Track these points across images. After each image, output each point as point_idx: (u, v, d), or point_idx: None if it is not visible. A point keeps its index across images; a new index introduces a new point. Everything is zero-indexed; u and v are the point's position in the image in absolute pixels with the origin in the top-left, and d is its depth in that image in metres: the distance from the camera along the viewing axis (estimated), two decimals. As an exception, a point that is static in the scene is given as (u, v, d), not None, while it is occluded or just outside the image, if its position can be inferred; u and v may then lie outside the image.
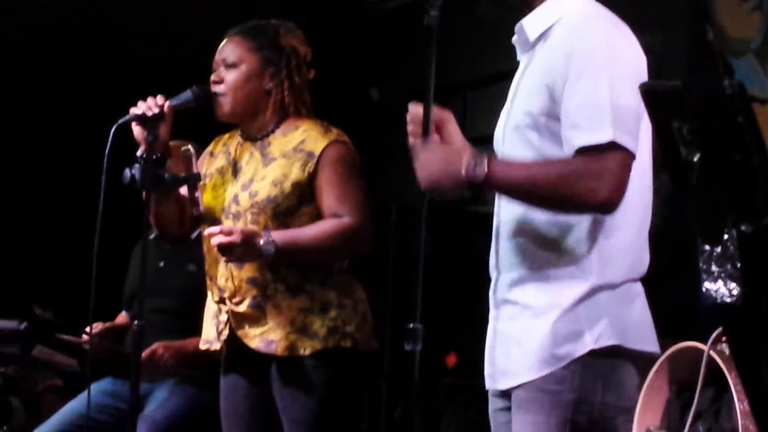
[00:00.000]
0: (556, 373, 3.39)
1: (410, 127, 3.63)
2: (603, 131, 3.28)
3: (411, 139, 3.62)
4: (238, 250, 4.43)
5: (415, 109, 3.62)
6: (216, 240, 4.42)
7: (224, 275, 4.62)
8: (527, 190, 3.36)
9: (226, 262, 4.54)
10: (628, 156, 3.31)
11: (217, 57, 4.70)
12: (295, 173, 4.56)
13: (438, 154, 3.39)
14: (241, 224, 4.54)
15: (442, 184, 3.35)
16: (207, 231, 4.50)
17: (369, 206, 4.61)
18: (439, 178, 3.34)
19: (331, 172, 4.57)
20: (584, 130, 3.30)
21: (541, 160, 3.40)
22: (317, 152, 4.57)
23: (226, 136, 4.84)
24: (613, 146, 3.28)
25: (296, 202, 4.56)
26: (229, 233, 4.41)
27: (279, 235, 4.48)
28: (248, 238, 4.42)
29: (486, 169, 3.29)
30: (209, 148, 4.87)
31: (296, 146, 4.60)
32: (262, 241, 4.44)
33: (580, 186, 3.27)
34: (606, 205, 3.30)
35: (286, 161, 4.58)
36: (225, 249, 4.43)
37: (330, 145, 4.58)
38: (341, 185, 4.57)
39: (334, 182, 4.56)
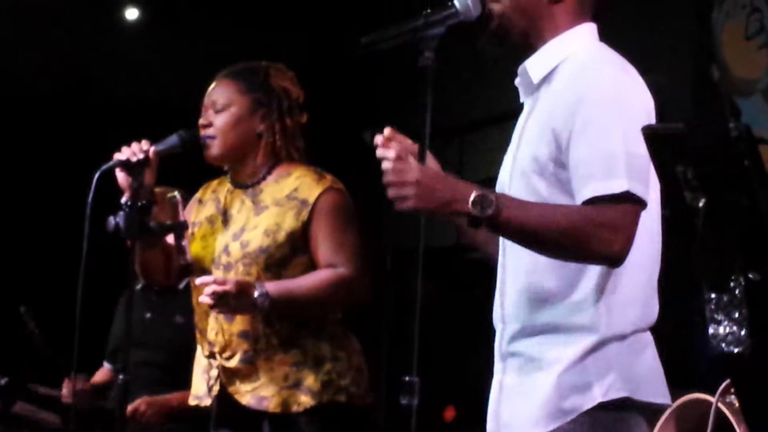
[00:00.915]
0: (563, 428, 3.38)
1: (384, 151, 3.43)
2: (617, 181, 3.27)
3: (386, 164, 3.39)
4: (232, 302, 4.41)
5: (390, 132, 3.55)
6: (209, 290, 4.39)
7: (214, 329, 4.60)
8: (536, 235, 3.32)
9: (219, 313, 4.52)
10: (641, 207, 3.31)
11: (206, 100, 4.70)
12: (289, 222, 4.56)
13: (442, 183, 3.30)
14: (232, 275, 4.53)
15: (440, 212, 3.30)
16: (199, 280, 4.47)
17: (366, 256, 4.60)
18: (441, 207, 3.27)
19: (326, 221, 4.56)
20: (597, 180, 3.29)
21: (552, 203, 3.38)
22: (311, 200, 4.56)
23: (216, 182, 4.83)
24: (626, 196, 3.28)
25: (289, 252, 4.56)
26: (222, 283, 4.39)
27: (273, 287, 4.46)
28: (242, 289, 4.40)
29: (494, 208, 3.23)
30: (198, 195, 4.86)
31: (289, 194, 4.59)
32: (256, 293, 4.42)
33: (596, 236, 3.25)
34: (617, 258, 3.29)
35: (279, 210, 4.58)
36: (218, 300, 4.40)
37: (324, 192, 4.58)
38: (337, 234, 4.57)
39: (329, 231, 4.56)
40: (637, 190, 3.28)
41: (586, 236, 3.26)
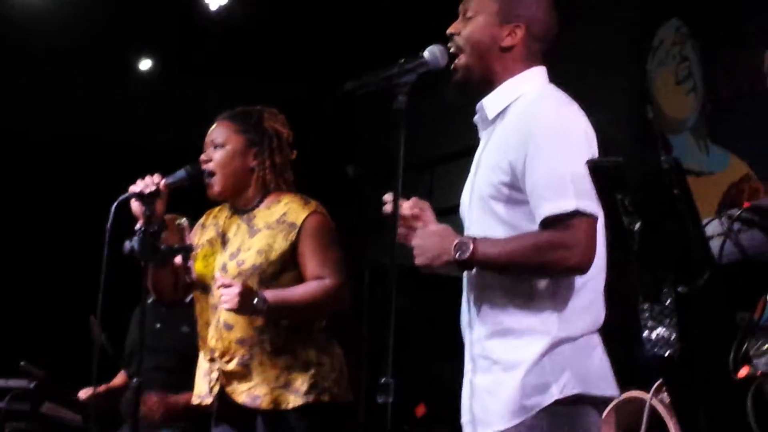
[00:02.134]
0: (526, 422, 3.39)
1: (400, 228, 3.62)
2: (567, 201, 3.30)
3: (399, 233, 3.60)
4: (237, 300, 4.39)
5: (405, 206, 3.63)
6: (220, 281, 4.43)
7: (214, 336, 4.60)
8: (507, 265, 3.40)
9: (230, 311, 4.50)
10: (593, 220, 3.32)
11: (207, 139, 4.72)
12: (279, 243, 4.56)
13: (433, 240, 3.43)
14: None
15: (435, 264, 3.40)
16: (218, 281, 4.48)
17: (346, 269, 4.60)
18: (433, 260, 3.40)
19: (311, 240, 4.57)
20: (549, 201, 3.32)
21: (515, 235, 3.41)
22: (298, 223, 4.57)
23: (216, 209, 4.84)
24: (577, 214, 3.30)
25: (280, 269, 4.56)
26: (229, 285, 4.40)
27: (270, 294, 4.47)
28: (247, 292, 4.41)
29: (471, 251, 3.34)
30: (201, 221, 4.86)
31: (279, 218, 4.60)
32: (256, 299, 4.42)
33: (553, 256, 3.31)
34: (578, 269, 3.34)
35: (271, 232, 4.58)
36: (231, 300, 4.39)
37: (310, 216, 4.59)
38: (321, 251, 4.57)
39: (314, 249, 4.56)
40: (586, 207, 3.30)
41: (546, 259, 3.32)
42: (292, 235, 4.56)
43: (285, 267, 4.57)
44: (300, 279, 4.56)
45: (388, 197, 3.57)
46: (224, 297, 4.41)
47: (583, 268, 3.33)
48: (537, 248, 3.33)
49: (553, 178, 3.33)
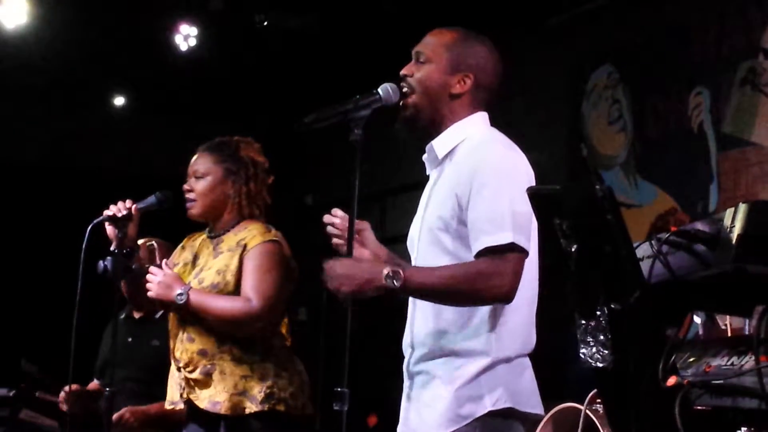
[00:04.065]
0: (460, 430, 3.39)
1: (331, 229, 3.67)
2: (504, 233, 3.31)
3: (334, 240, 3.65)
4: (154, 288, 4.46)
5: (335, 212, 3.65)
6: (149, 277, 4.49)
7: (179, 348, 4.59)
8: (440, 293, 3.38)
9: (148, 294, 4.53)
10: (524, 255, 3.34)
11: (189, 169, 4.72)
12: (233, 264, 4.55)
13: (361, 266, 3.38)
14: None
15: (364, 290, 3.32)
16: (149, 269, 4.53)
17: (279, 298, 4.55)
18: (362, 287, 3.31)
19: (253, 263, 4.53)
20: (488, 234, 3.33)
21: (448, 264, 3.42)
22: (250, 246, 4.56)
23: (197, 234, 4.85)
24: (512, 247, 3.31)
25: (234, 289, 4.54)
26: (155, 274, 4.48)
27: (195, 294, 4.48)
28: (166, 282, 4.47)
29: (402, 280, 3.29)
30: (182, 243, 4.88)
31: (238, 242, 4.59)
32: (179, 290, 4.46)
33: (485, 284, 3.30)
34: (507, 297, 3.34)
35: (230, 254, 4.58)
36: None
37: (263, 242, 4.57)
38: (258, 274, 4.52)
39: (253, 271, 4.52)
40: (520, 242, 3.31)
41: (477, 288, 3.32)
42: (241, 255, 4.55)
43: (239, 287, 4.54)
44: None
45: (328, 217, 3.63)
46: (148, 284, 4.46)
47: (511, 296, 3.33)
48: (470, 277, 3.33)
49: (493, 213, 3.34)
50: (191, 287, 4.50)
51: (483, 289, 3.31)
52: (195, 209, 4.66)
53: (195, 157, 4.74)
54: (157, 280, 4.47)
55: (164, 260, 4.62)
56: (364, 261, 3.51)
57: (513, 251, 3.31)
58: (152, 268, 4.51)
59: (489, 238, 3.32)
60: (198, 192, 4.65)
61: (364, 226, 3.74)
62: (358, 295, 3.34)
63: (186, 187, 4.68)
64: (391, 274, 3.29)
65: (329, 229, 3.68)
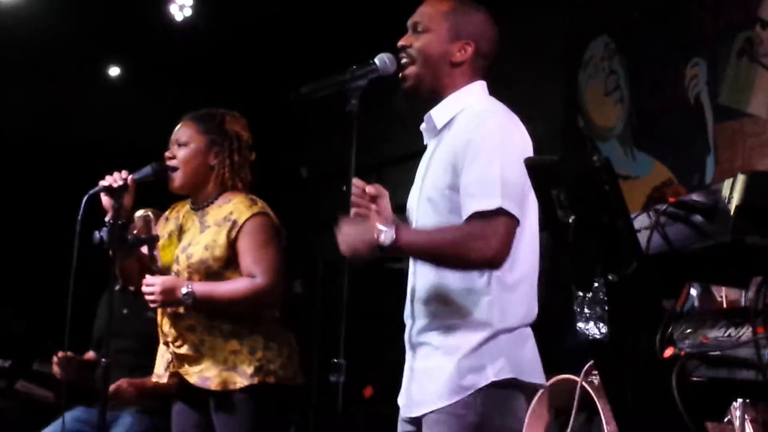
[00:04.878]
0: (463, 400, 3.38)
1: (356, 198, 3.61)
2: (492, 199, 3.30)
3: (354, 210, 3.60)
4: (159, 298, 4.43)
5: (359, 182, 3.63)
6: (144, 289, 4.46)
7: (167, 323, 4.59)
8: (429, 252, 3.39)
9: (155, 307, 4.53)
10: (513, 221, 3.33)
11: (173, 137, 4.70)
12: (222, 239, 4.53)
13: (355, 227, 3.38)
14: None
15: (360, 250, 3.33)
16: (143, 282, 4.50)
17: (281, 269, 4.56)
18: (356, 246, 3.32)
19: (249, 238, 4.53)
20: (477, 199, 3.33)
21: (440, 226, 3.42)
22: (240, 221, 4.54)
23: (180, 204, 4.82)
24: (500, 212, 3.30)
25: (224, 264, 4.53)
26: (151, 284, 4.44)
27: (199, 287, 4.47)
28: (168, 288, 4.43)
29: (394, 237, 3.29)
30: (166, 214, 4.85)
31: (226, 216, 4.57)
32: (183, 290, 4.44)
33: (470, 246, 3.30)
34: (493, 261, 3.33)
35: (217, 229, 4.56)
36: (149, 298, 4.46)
37: (253, 216, 4.55)
38: (257, 250, 4.52)
39: (250, 247, 4.52)
40: (509, 207, 3.31)
41: (464, 248, 3.31)
42: (233, 233, 4.54)
43: (229, 263, 4.54)
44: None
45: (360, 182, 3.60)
46: (147, 296, 4.45)
47: (499, 260, 3.32)
48: (457, 238, 3.33)
49: (484, 179, 3.34)
50: (192, 282, 4.48)
51: (468, 251, 3.30)
52: (177, 180, 4.63)
53: (179, 126, 4.73)
54: (157, 290, 4.44)
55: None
56: (358, 222, 3.48)
57: (501, 215, 3.31)
58: (146, 279, 4.48)
59: (477, 203, 3.33)
60: (180, 159, 4.63)
61: (383, 193, 3.72)
62: (357, 255, 3.35)
63: (168, 154, 4.66)
64: (382, 231, 3.30)
65: (354, 199, 3.62)
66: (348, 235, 3.35)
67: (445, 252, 3.35)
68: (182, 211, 4.77)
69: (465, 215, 3.36)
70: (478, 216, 3.32)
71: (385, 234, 3.29)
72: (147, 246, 4.59)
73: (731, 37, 6.67)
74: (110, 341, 4.49)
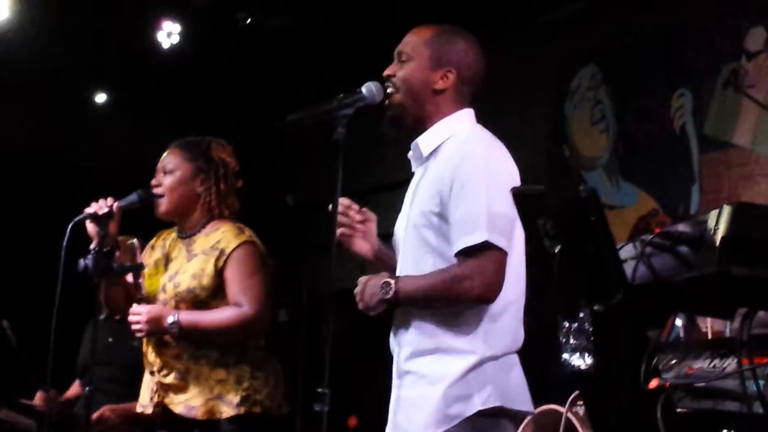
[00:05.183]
0: (449, 431, 3.38)
1: (343, 218, 3.67)
2: (478, 234, 3.32)
3: (340, 230, 3.66)
4: (146, 327, 4.42)
5: (348, 203, 3.65)
6: (129, 318, 4.45)
7: (153, 352, 4.57)
8: (425, 299, 3.45)
9: (140, 337, 4.52)
10: (501, 253, 3.35)
11: (159, 164, 4.69)
12: (210, 268, 4.52)
13: (368, 284, 3.49)
14: None
15: (372, 305, 3.47)
16: (129, 311, 4.48)
17: (268, 298, 4.55)
18: (369, 302, 3.47)
19: (236, 267, 4.52)
20: (464, 234, 3.36)
21: (431, 273, 3.45)
22: (228, 250, 4.53)
23: (166, 232, 4.80)
24: (487, 245, 3.32)
25: (212, 293, 4.52)
26: (137, 314, 4.43)
27: (185, 316, 4.45)
28: (154, 317, 4.43)
29: (394, 290, 3.41)
30: (151, 242, 4.83)
31: (213, 245, 4.56)
32: (169, 319, 4.42)
33: (458, 287, 3.35)
34: (482, 298, 3.37)
35: (205, 257, 4.55)
36: (136, 328, 4.45)
37: (240, 245, 4.54)
38: (244, 279, 4.51)
39: (238, 276, 4.51)
40: (495, 240, 3.33)
41: (453, 291, 3.37)
42: (220, 261, 4.53)
43: (216, 291, 4.53)
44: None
45: (345, 201, 3.67)
46: (133, 325, 4.44)
47: (488, 297, 3.37)
48: (447, 281, 3.39)
49: (469, 213, 3.36)
50: (178, 311, 4.47)
51: (457, 293, 3.37)
52: (162, 206, 4.62)
53: (165, 154, 4.72)
54: (143, 319, 4.43)
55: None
56: (369, 278, 3.54)
57: (488, 250, 3.33)
58: (132, 308, 4.48)
59: (464, 239, 3.36)
60: (166, 187, 4.62)
61: (371, 218, 3.76)
62: (369, 310, 3.50)
63: (154, 182, 4.65)
64: (384, 286, 3.44)
65: (340, 218, 3.66)
66: (365, 294, 3.48)
67: (437, 297, 3.42)
68: (168, 239, 4.75)
69: (454, 251, 3.39)
70: (465, 252, 3.35)
71: (387, 289, 3.42)
72: (132, 274, 4.57)
73: (717, 68, 6.70)
74: (95, 369, 4.48)
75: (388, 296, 3.41)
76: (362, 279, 3.53)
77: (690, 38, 6.92)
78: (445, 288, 3.38)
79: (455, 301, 3.38)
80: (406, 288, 3.43)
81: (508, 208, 3.20)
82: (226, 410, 4.46)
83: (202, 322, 4.46)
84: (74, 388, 5.99)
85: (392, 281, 3.43)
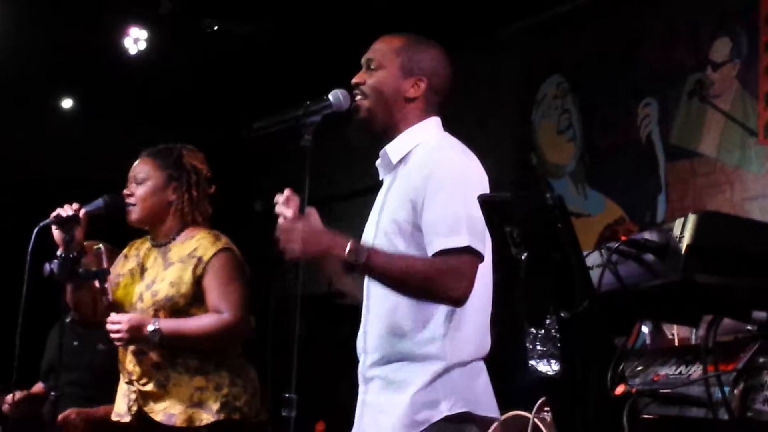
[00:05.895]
0: None
1: (283, 209, 3.45)
2: (460, 237, 3.30)
3: (277, 209, 3.48)
4: (126, 336, 4.39)
5: (287, 192, 3.54)
6: (109, 327, 4.41)
7: (132, 361, 4.54)
8: (397, 280, 3.35)
9: (119, 345, 4.50)
10: (478, 258, 3.34)
11: (130, 174, 4.67)
12: (188, 276, 4.50)
13: (326, 234, 3.34)
14: None
15: (313, 251, 3.31)
16: (108, 320, 4.44)
17: (247, 304, 4.54)
18: (323, 252, 3.31)
19: (215, 275, 4.50)
20: (443, 236, 3.33)
21: (412, 255, 3.39)
22: (206, 258, 4.52)
23: (139, 241, 4.78)
24: (468, 250, 3.31)
25: (191, 301, 4.50)
26: (117, 322, 4.39)
27: (165, 324, 4.43)
28: (134, 326, 4.39)
29: (365, 258, 3.27)
30: (124, 251, 4.81)
31: (190, 252, 4.54)
32: (150, 328, 4.40)
33: (441, 282, 3.30)
34: (460, 299, 3.33)
35: (182, 265, 4.53)
36: (116, 336, 4.41)
37: (218, 252, 4.53)
38: (223, 286, 4.50)
39: (217, 283, 4.49)
40: (476, 245, 3.32)
41: (435, 284, 3.31)
42: (199, 269, 4.51)
43: (195, 299, 4.51)
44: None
45: (280, 197, 3.50)
46: (112, 334, 4.41)
47: (463, 299, 3.33)
48: (430, 272, 3.31)
49: (449, 216, 3.34)
50: (158, 319, 4.45)
51: (438, 288, 3.31)
52: (135, 214, 4.60)
53: (136, 162, 4.69)
54: (124, 327, 4.39)
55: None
56: (329, 230, 3.40)
57: (467, 254, 3.32)
58: (111, 317, 4.44)
59: (444, 240, 3.32)
60: (138, 197, 4.60)
61: (309, 211, 3.52)
62: (312, 257, 3.33)
63: (126, 192, 4.62)
64: (355, 247, 3.28)
65: (277, 208, 3.47)
66: (303, 231, 3.30)
67: (415, 284, 3.34)
68: (142, 248, 4.72)
69: (431, 252, 3.35)
70: (445, 254, 3.32)
71: (358, 251, 3.27)
72: (98, 279, 4.54)
73: (682, 78, 6.75)
74: (60, 373, 4.46)
75: (359, 261, 3.26)
76: (310, 223, 3.35)
77: (655, 48, 6.97)
78: (427, 278, 3.30)
79: (431, 294, 3.33)
80: (379, 260, 3.31)
81: (480, 212, 3.20)
82: (206, 417, 4.44)
83: (182, 329, 4.45)
84: (37, 387, 5.96)
85: (363, 246, 3.30)
